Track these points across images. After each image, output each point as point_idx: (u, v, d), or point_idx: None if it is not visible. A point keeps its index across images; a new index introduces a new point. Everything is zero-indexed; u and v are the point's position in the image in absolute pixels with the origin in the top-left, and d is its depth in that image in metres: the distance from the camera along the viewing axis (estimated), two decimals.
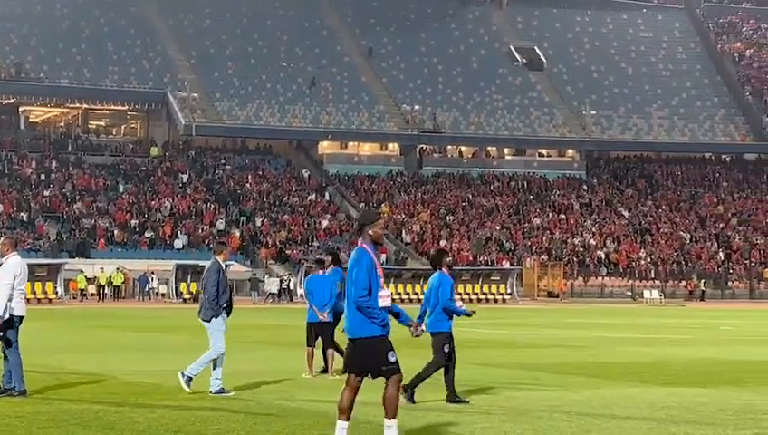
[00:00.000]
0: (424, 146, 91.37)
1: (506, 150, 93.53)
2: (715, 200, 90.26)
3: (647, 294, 72.73)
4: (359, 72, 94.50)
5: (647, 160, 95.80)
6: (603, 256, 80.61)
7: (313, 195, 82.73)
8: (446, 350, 14.39)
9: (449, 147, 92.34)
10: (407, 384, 13.57)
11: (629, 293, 75.89)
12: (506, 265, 73.54)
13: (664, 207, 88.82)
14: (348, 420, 10.26)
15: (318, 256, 19.76)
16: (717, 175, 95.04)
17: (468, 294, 65.30)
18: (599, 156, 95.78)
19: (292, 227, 77.03)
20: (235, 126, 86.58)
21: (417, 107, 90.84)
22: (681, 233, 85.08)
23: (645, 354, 24.52)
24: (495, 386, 16.67)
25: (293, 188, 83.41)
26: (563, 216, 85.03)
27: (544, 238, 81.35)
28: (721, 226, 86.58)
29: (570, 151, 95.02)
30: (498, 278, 67.75)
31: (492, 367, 20.42)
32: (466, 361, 21.74)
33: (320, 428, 12.06)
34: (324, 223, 78.04)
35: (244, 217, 78.10)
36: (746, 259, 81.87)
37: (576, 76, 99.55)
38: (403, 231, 79.09)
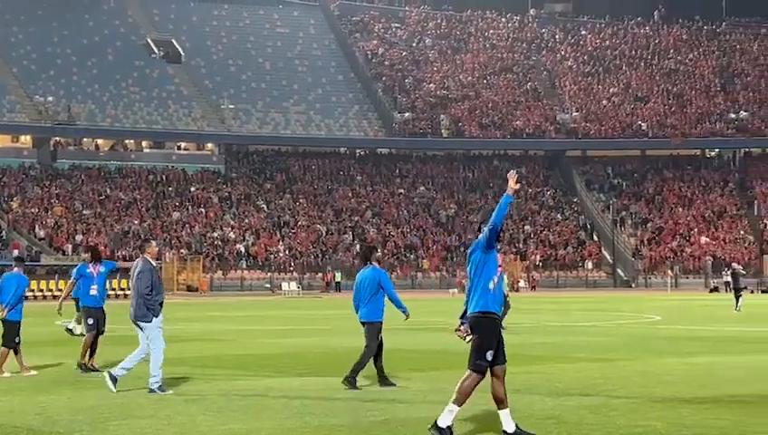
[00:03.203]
0: (58, 138, 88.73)
1: (144, 144, 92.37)
2: (349, 194, 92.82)
3: (285, 286, 73.92)
4: None
5: (284, 155, 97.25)
6: (243, 250, 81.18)
7: None
8: (379, 338, 15.51)
9: (85, 139, 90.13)
10: (347, 375, 15.27)
11: (268, 285, 76.82)
12: None
13: (301, 200, 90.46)
14: (507, 407, 10.69)
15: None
16: (352, 169, 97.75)
17: (114, 289, 63.86)
18: (237, 150, 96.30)
19: None
20: None
21: (50, 98, 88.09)
22: (318, 226, 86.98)
23: (283, 346, 24.85)
24: (135, 381, 16.33)
25: None
26: (202, 209, 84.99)
27: (184, 232, 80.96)
28: (356, 219, 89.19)
29: (209, 145, 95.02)
30: None
31: None
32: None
33: None
34: None
35: None
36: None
37: (214, 70, 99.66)
38: (36, 226, 76.48)
